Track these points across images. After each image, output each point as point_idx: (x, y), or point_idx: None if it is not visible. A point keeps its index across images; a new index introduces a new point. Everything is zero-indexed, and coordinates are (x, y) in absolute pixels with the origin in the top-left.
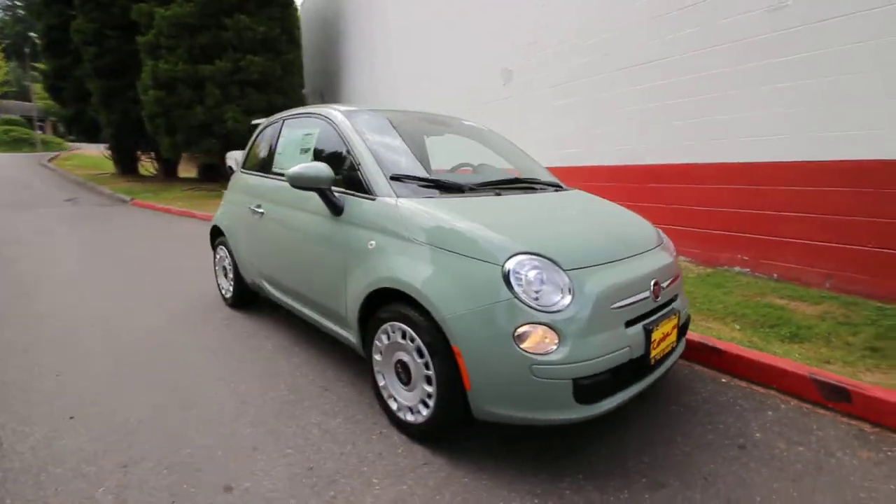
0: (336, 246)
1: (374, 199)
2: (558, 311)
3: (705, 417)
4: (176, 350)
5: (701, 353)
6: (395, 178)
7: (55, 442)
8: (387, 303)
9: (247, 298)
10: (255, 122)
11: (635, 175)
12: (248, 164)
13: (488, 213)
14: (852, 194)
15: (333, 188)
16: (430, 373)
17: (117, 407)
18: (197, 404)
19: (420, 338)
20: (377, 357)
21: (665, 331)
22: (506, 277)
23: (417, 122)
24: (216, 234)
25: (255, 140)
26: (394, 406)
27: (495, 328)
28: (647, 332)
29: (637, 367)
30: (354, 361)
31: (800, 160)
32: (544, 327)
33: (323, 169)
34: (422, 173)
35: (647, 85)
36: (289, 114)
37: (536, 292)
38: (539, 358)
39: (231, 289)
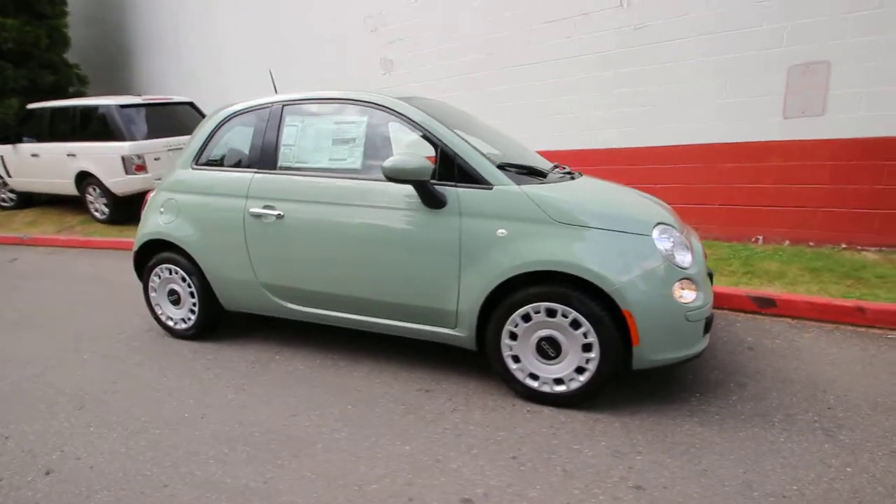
0: (442, 240)
1: (491, 188)
2: (690, 266)
3: (717, 338)
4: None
5: None
6: (500, 166)
7: None
8: (514, 289)
9: (211, 325)
10: (33, 106)
11: None
12: (206, 160)
13: (597, 193)
14: (681, 169)
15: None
16: (591, 340)
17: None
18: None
19: (578, 311)
20: (508, 342)
21: None
22: (656, 244)
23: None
24: (154, 251)
25: (214, 131)
26: (534, 383)
27: (659, 287)
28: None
29: None
30: (416, 356)
31: (647, 146)
32: (687, 280)
33: (424, 160)
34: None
35: (526, 83)
36: (289, 99)
37: (675, 253)
38: (689, 305)
39: (193, 316)
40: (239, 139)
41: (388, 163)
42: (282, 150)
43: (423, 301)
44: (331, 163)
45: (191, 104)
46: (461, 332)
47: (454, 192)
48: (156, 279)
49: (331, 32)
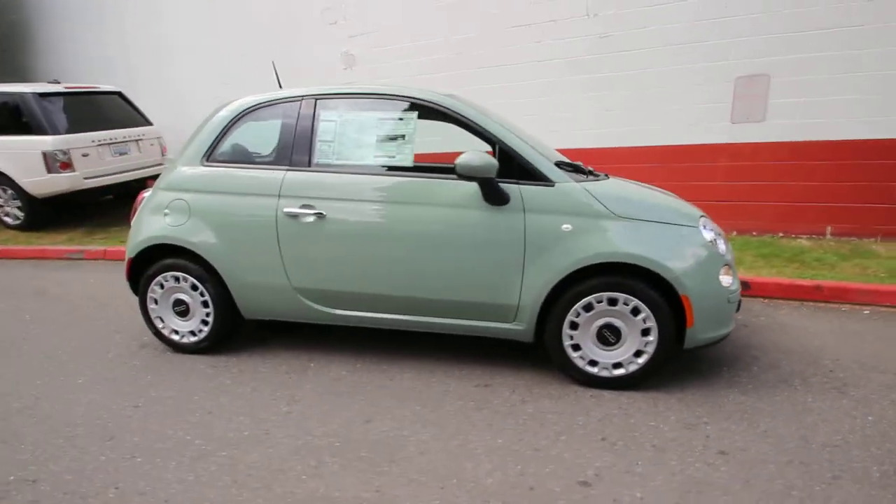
0: (506, 236)
1: (552, 185)
2: (726, 254)
3: None
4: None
5: None
6: (556, 164)
7: None
8: (575, 281)
9: (226, 336)
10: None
11: None
12: (221, 156)
13: (640, 190)
14: (642, 168)
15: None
16: (650, 325)
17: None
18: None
19: (639, 298)
20: (569, 331)
21: None
22: (703, 235)
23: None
24: (153, 258)
25: (230, 125)
26: (593, 369)
27: (709, 273)
28: None
29: None
30: (460, 353)
31: (612, 147)
32: (727, 266)
33: (491, 158)
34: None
35: (497, 85)
36: (324, 93)
37: (717, 242)
38: (730, 288)
39: (206, 328)
40: (261, 134)
41: (462, 160)
42: (318, 146)
43: (484, 297)
44: (377, 160)
45: (119, 94)
46: (519, 326)
47: (516, 189)
48: (157, 289)
49: (287, 24)
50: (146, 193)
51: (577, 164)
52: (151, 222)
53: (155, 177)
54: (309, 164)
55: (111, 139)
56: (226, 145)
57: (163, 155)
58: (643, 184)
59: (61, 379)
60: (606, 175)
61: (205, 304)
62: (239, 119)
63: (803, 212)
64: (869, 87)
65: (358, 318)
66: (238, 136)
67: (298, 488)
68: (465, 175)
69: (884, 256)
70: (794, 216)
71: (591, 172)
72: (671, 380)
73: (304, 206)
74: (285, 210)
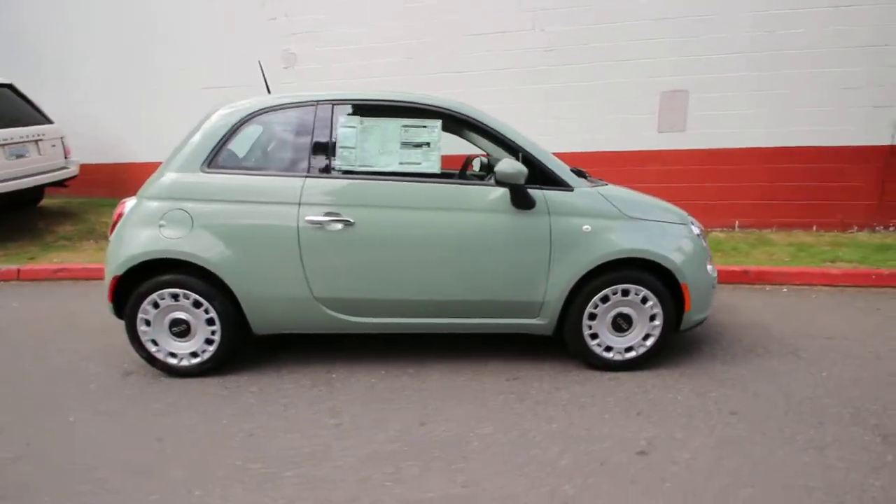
0: (534, 237)
1: (572, 190)
2: (707, 247)
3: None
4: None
5: None
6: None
7: None
8: (592, 276)
9: (232, 354)
10: None
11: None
12: (223, 163)
13: (638, 194)
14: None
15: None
16: (656, 311)
17: None
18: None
19: (647, 288)
20: (588, 322)
21: None
22: (693, 231)
23: None
24: (142, 276)
25: (233, 129)
26: (608, 354)
27: (700, 264)
28: None
29: None
30: (479, 351)
31: (556, 152)
32: (710, 258)
33: (522, 166)
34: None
35: (447, 91)
36: (341, 98)
37: (702, 238)
38: (713, 276)
39: (211, 348)
40: (271, 139)
41: (500, 168)
42: (338, 152)
43: (512, 296)
44: (402, 167)
45: (10, 86)
46: (543, 321)
47: (541, 194)
48: (150, 309)
49: (215, 16)
50: (128, 203)
51: (581, 170)
52: (141, 235)
53: (56, 184)
54: (328, 171)
55: (6, 139)
56: (229, 150)
57: (66, 158)
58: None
59: (45, 419)
60: (602, 180)
61: (209, 322)
62: (243, 123)
63: (717, 208)
64: (766, 104)
65: (383, 325)
66: (247, 141)
67: (386, 495)
68: (502, 182)
69: (781, 244)
70: (710, 212)
71: (588, 177)
72: (667, 359)
73: (328, 214)
74: (308, 218)
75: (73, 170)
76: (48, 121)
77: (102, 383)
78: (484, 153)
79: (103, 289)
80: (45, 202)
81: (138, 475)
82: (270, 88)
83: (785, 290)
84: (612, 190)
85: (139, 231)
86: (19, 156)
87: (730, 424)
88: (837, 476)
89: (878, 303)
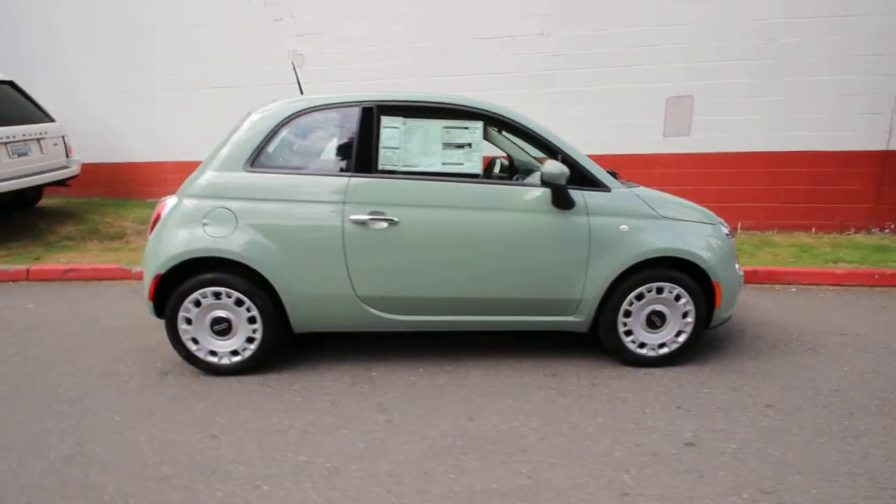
0: (573, 237)
1: (609, 191)
2: (735, 247)
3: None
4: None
5: None
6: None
7: None
8: (627, 275)
9: (271, 352)
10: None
11: None
12: (266, 162)
13: (669, 194)
14: None
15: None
16: (688, 308)
17: None
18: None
19: (681, 286)
20: (623, 319)
21: None
22: (723, 231)
23: None
24: (184, 274)
25: (276, 129)
26: (642, 351)
27: (730, 263)
28: None
29: None
30: (514, 349)
31: None
32: (737, 257)
33: (565, 167)
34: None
35: (457, 93)
36: (385, 100)
37: (731, 238)
38: (740, 275)
39: (252, 346)
40: (313, 139)
41: (548, 168)
42: (382, 152)
43: (551, 294)
44: (444, 167)
45: (11, 83)
46: (579, 318)
47: (580, 195)
48: (192, 308)
49: (217, 15)
50: (168, 202)
51: (614, 172)
52: (184, 234)
53: (58, 183)
54: (370, 171)
55: (8, 138)
56: (272, 150)
57: (67, 157)
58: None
59: (89, 419)
60: (632, 182)
61: (251, 321)
62: (287, 123)
63: (720, 211)
64: (768, 109)
65: (423, 323)
66: (290, 141)
67: (455, 486)
68: (547, 182)
69: (784, 245)
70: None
71: (618, 179)
72: (696, 356)
73: (373, 213)
74: (353, 217)
75: (74, 169)
76: (50, 119)
77: (140, 383)
78: (505, 155)
79: (143, 287)
80: (43, 202)
81: (201, 471)
82: (299, 88)
83: (794, 289)
84: (645, 191)
85: (182, 230)
86: (21, 154)
87: (767, 416)
88: (876, 463)
89: (882, 301)
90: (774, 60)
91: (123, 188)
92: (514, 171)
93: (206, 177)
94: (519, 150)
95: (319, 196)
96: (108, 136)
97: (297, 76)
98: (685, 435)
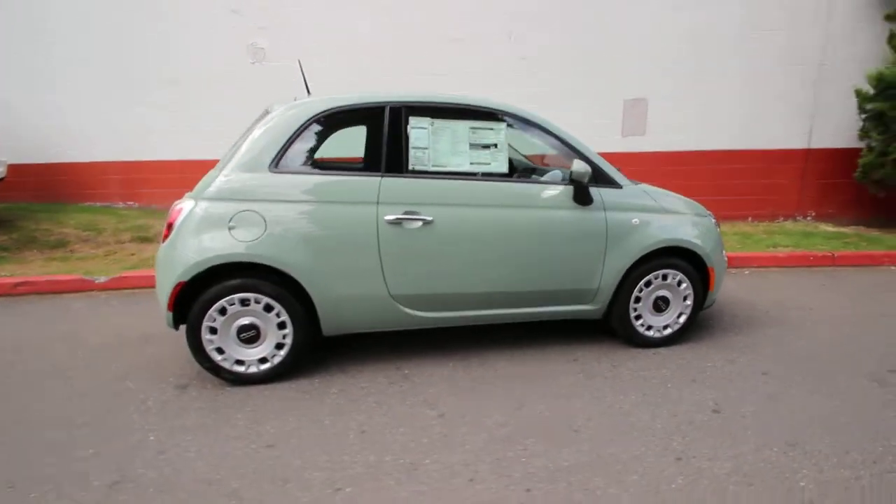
0: (593, 230)
1: (621, 188)
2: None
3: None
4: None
5: None
6: None
7: None
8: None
9: (301, 357)
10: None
11: None
12: (291, 163)
13: (668, 190)
14: None
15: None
16: (688, 292)
17: None
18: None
19: (682, 272)
20: (634, 305)
21: None
22: (712, 222)
23: None
24: (207, 282)
25: (301, 129)
26: (650, 333)
27: (720, 251)
28: None
29: None
30: (535, 338)
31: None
32: (723, 245)
33: (588, 167)
34: None
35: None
36: (412, 100)
37: (717, 227)
38: (726, 261)
39: (281, 352)
40: (339, 138)
41: (577, 168)
42: (412, 152)
43: (573, 284)
44: (473, 167)
45: None
46: (596, 306)
47: (597, 192)
48: (217, 316)
49: (163, 3)
50: (184, 205)
51: (618, 169)
52: (208, 239)
53: None
54: (401, 171)
55: None
56: (297, 151)
57: None
58: None
59: (122, 442)
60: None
61: (280, 326)
62: (311, 123)
63: None
64: (714, 112)
65: (452, 319)
66: (316, 141)
67: (530, 468)
68: (576, 180)
69: (730, 233)
70: None
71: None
72: (690, 335)
73: (407, 213)
74: (387, 217)
75: (0, 171)
76: None
77: (159, 399)
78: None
79: (160, 297)
80: None
81: (272, 482)
82: (306, 88)
83: (747, 272)
84: (650, 187)
85: (206, 234)
86: None
87: (766, 383)
88: (863, 413)
89: (820, 279)
90: (718, 68)
91: (54, 192)
92: (513, 170)
93: (227, 178)
94: (513, 150)
95: (352, 197)
96: (33, 135)
97: (303, 76)
98: (708, 404)
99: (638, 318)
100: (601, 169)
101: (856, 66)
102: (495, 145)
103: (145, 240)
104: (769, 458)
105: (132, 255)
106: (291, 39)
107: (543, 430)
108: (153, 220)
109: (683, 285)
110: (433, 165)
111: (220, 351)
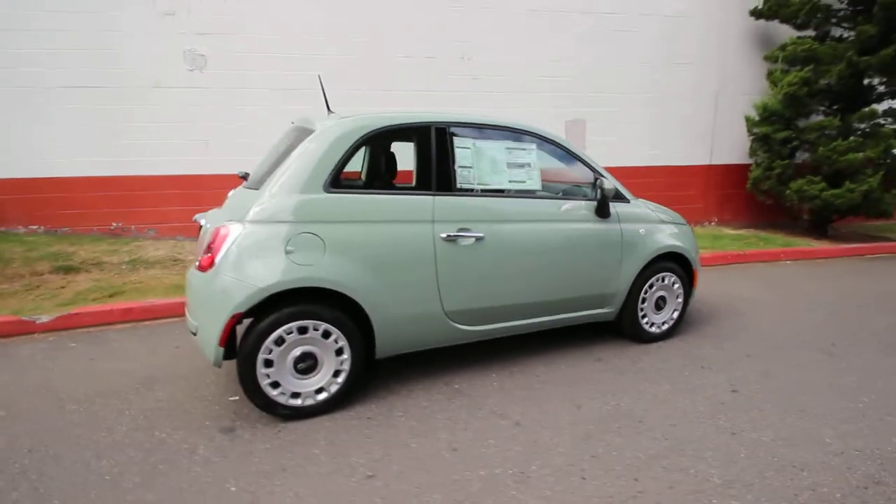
0: (613, 240)
1: (629, 202)
2: None
3: None
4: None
5: None
6: None
7: None
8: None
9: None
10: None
11: None
12: (344, 182)
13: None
14: None
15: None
16: (679, 292)
17: None
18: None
19: (675, 274)
20: (641, 305)
21: None
22: (690, 229)
23: None
24: (262, 310)
25: (352, 149)
26: (652, 329)
27: (697, 254)
28: None
29: None
30: (551, 344)
31: None
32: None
33: (614, 184)
34: None
35: (372, 108)
36: (456, 121)
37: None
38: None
39: (339, 380)
40: (388, 158)
41: (608, 185)
42: (458, 171)
43: (596, 290)
44: (511, 184)
45: None
46: (611, 309)
47: (612, 206)
48: (273, 347)
49: (85, 4)
50: (232, 229)
51: None
52: (265, 264)
53: None
54: (450, 189)
55: None
56: (346, 170)
57: None
58: None
59: (200, 497)
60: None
61: (338, 352)
62: (361, 143)
63: None
64: (637, 133)
65: (495, 331)
66: (365, 160)
67: (624, 459)
68: (607, 196)
69: None
70: None
71: None
72: (678, 329)
73: (461, 230)
74: (443, 235)
75: None
76: None
77: (209, 446)
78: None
79: (208, 331)
80: None
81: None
82: (326, 104)
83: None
84: (647, 202)
85: (262, 259)
86: None
87: (754, 363)
88: (834, 378)
89: (741, 273)
90: (637, 96)
91: None
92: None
93: (280, 200)
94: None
95: (410, 215)
96: None
97: (323, 90)
98: (725, 386)
99: (644, 317)
100: (611, 185)
101: (744, 98)
102: (528, 164)
103: (71, 269)
104: (794, 423)
105: (62, 287)
106: (231, 48)
107: (614, 426)
108: (72, 247)
109: (676, 285)
110: (478, 183)
111: (274, 385)
